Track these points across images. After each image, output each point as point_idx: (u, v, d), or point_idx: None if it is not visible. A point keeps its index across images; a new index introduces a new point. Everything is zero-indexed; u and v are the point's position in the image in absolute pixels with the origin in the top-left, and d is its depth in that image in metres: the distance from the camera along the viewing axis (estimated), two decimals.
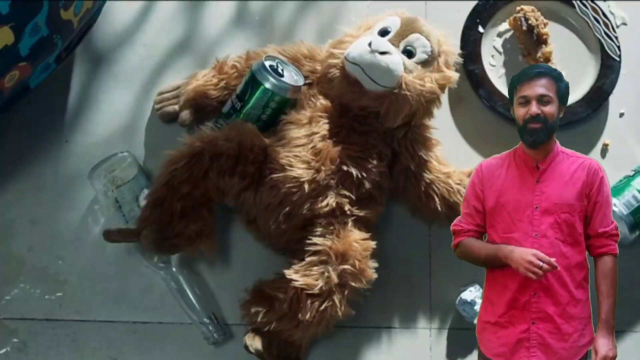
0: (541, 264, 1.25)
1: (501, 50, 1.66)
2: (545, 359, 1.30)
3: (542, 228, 1.31)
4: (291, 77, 1.47)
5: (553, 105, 1.34)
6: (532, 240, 1.31)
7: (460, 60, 1.51)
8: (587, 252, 1.35)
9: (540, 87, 1.33)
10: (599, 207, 1.34)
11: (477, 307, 1.46)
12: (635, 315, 1.56)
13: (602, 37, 1.64)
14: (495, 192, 1.35)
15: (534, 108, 1.32)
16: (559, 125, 1.53)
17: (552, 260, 1.26)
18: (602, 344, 1.30)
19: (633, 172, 1.55)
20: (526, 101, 1.34)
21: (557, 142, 1.38)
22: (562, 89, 1.35)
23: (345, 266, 1.38)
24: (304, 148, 1.41)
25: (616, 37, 1.64)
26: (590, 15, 1.65)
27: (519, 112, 1.35)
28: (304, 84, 1.48)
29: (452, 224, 1.40)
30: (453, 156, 1.54)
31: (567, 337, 1.31)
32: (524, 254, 1.27)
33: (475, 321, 1.41)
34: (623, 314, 1.35)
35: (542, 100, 1.33)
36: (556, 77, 1.35)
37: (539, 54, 1.60)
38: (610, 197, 1.36)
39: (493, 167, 1.39)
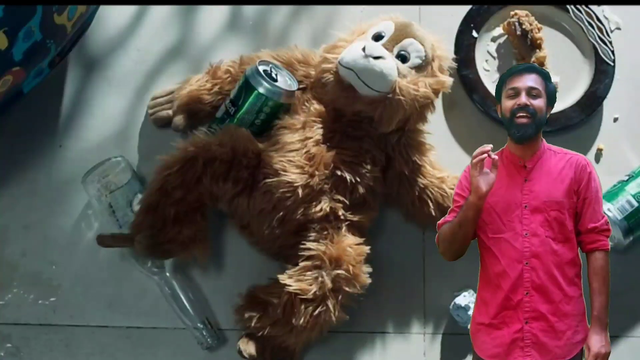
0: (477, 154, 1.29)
1: (495, 55, 1.66)
2: (540, 358, 1.31)
3: (532, 227, 1.32)
4: (285, 81, 1.47)
5: (542, 100, 1.35)
6: (522, 239, 1.32)
7: (454, 65, 1.51)
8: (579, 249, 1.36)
9: (530, 80, 1.35)
10: (588, 202, 1.34)
11: (471, 312, 1.46)
12: (629, 320, 1.56)
13: (596, 42, 1.64)
14: None
15: (523, 99, 1.34)
16: (553, 130, 1.55)
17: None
18: (595, 341, 1.31)
19: (627, 177, 1.54)
20: (515, 93, 1.35)
21: (544, 140, 1.38)
22: (551, 89, 1.37)
23: (339, 271, 1.38)
24: (298, 153, 1.40)
25: (610, 42, 1.64)
26: (585, 20, 1.65)
27: (507, 104, 1.36)
28: (298, 89, 1.48)
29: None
30: (447, 161, 1.54)
31: (560, 335, 1.31)
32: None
33: (469, 326, 1.41)
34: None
35: (531, 93, 1.35)
36: (545, 76, 1.37)
37: (533, 59, 1.60)
38: (600, 191, 1.37)
39: None
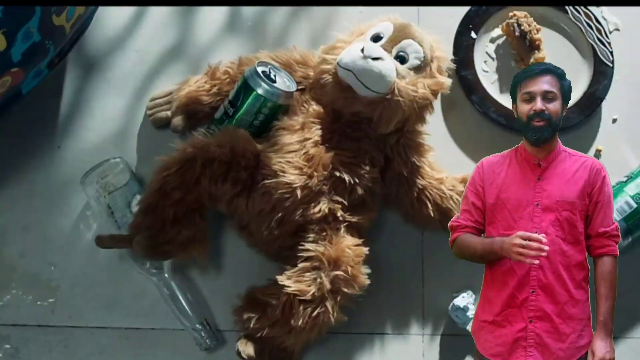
0: (529, 243, 1.24)
1: (494, 56, 1.66)
2: (542, 359, 1.30)
3: (543, 225, 1.32)
4: (284, 83, 1.47)
5: (557, 102, 1.35)
6: None
7: (452, 66, 1.51)
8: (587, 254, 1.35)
9: (545, 83, 1.35)
10: (600, 206, 1.34)
11: (470, 313, 1.46)
12: (629, 321, 1.56)
13: (595, 42, 1.64)
14: (496, 188, 1.36)
15: (539, 104, 1.33)
16: None
17: (539, 236, 1.25)
18: (600, 347, 1.31)
19: (626, 178, 1.54)
20: (531, 97, 1.35)
21: (559, 141, 1.38)
22: (566, 87, 1.37)
23: (338, 272, 1.38)
24: (297, 154, 1.40)
25: (609, 43, 1.64)
26: (583, 21, 1.65)
27: (523, 108, 1.36)
28: (297, 90, 1.48)
29: (450, 220, 1.40)
30: (446, 162, 1.54)
31: (564, 338, 1.31)
32: (510, 239, 1.27)
33: (468, 327, 1.41)
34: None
35: (546, 97, 1.34)
36: (560, 75, 1.37)
37: (531, 60, 1.60)
38: (612, 197, 1.37)
39: (494, 164, 1.39)
